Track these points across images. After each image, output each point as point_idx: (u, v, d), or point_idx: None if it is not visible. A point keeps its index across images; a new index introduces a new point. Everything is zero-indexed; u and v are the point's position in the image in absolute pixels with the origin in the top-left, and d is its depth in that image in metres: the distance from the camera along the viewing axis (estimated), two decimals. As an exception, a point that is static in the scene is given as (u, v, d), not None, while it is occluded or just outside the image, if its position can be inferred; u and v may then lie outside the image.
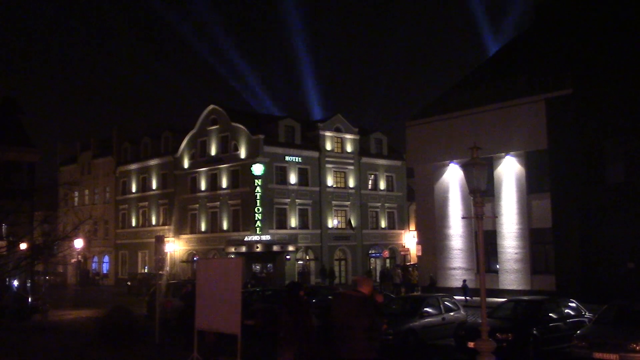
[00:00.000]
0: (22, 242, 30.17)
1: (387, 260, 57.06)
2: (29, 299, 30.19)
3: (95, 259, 67.70)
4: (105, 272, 66.06)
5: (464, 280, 33.62)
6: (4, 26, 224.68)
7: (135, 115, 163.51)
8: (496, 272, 33.11)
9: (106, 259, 66.61)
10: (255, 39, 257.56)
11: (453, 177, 35.59)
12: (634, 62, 29.17)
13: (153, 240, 25.32)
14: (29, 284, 41.87)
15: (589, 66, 30.94)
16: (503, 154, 32.91)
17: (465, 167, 12.30)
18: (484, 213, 12.11)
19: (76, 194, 69.22)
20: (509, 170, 32.93)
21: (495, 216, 32.08)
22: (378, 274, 46.21)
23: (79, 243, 50.80)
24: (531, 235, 32.24)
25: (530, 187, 32.35)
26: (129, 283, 50.26)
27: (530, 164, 32.38)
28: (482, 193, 12.12)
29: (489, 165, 29.41)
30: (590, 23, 33.79)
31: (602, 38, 32.08)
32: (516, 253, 32.56)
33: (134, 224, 62.54)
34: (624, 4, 33.16)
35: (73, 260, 56.43)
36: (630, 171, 28.65)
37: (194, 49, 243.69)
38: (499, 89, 33.79)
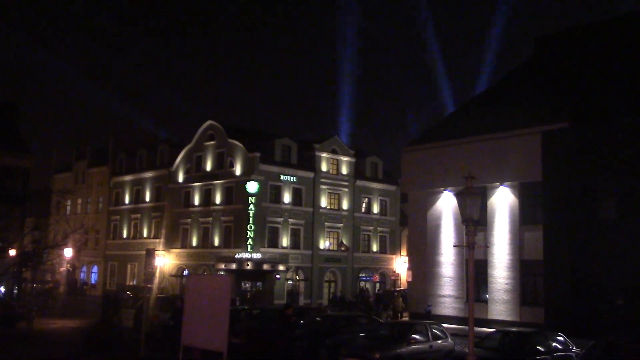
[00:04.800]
0: (12, 248, 30.05)
1: (377, 284, 56.91)
2: (15, 306, 29.99)
3: (84, 268, 67.29)
4: (93, 282, 65.64)
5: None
6: (6, 30, 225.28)
7: (133, 126, 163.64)
8: (485, 301, 33.07)
9: (95, 269, 66.22)
10: (258, 57, 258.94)
11: (446, 204, 35.66)
12: (631, 99, 29.45)
13: (143, 252, 25.24)
14: (15, 291, 41.54)
15: (586, 101, 31.21)
16: (497, 184, 33.02)
17: (459, 195, 12.36)
18: (475, 242, 12.15)
19: (69, 202, 69.01)
20: (503, 201, 33.02)
21: (487, 246, 32.10)
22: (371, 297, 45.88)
23: (68, 252, 50.58)
24: (522, 266, 32.25)
25: (523, 219, 32.41)
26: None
27: (524, 195, 32.48)
28: (475, 222, 12.16)
29: (483, 195, 29.49)
30: (589, 58, 34.14)
31: (601, 73, 32.41)
32: (506, 283, 32.54)
33: (125, 235, 62.29)
34: (624, 41, 33.53)
35: (62, 269, 56.09)
36: (623, 208, 28.74)
37: (196, 63, 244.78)
38: (496, 120, 33.99)
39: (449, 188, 34.94)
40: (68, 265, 59.95)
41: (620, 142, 28.96)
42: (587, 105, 30.91)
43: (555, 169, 30.74)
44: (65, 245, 49.54)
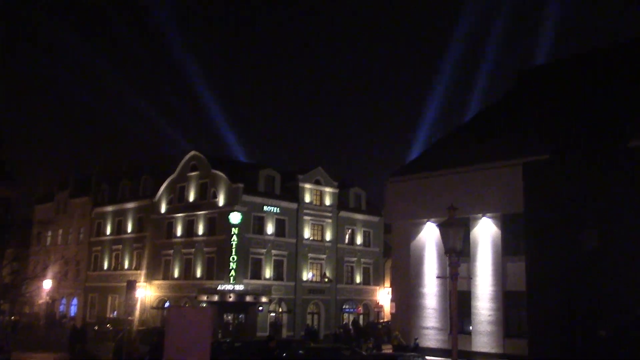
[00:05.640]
0: (-10, 279, 29.59)
1: (361, 316, 56.55)
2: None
3: (64, 300, 66.21)
4: (72, 314, 64.57)
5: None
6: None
7: (116, 156, 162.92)
8: (469, 333, 32.92)
9: (75, 301, 65.18)
10: (243, 86, 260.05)
11: (430, 235, 35.68)
12: (612, 130, 29.84)
13: (124, 284, 24.96)
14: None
15: (567, 132, 31.57)
16: (480, 215, 33.13)
17: (442, 226, 12.39)
18: (458, 273, 12.14)
19: (49, 233, 68.27)
20: (485, 232, 33.10)
21: (470, 277, 32.06)
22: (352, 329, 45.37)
23: (47, 284, 49.84)
24: (505, 297, 32.21)
25: (506, 250, 32.48)
26: (96, 327, 49.16)
27: (506, 226, 32.59)
28: (458, 253, 12.17)
29: (466, 226, 29.55)
30: (570, 90, 34.66)
31: (582, 105, 32.88)
32: (490, 315, 32.45)
33: (105, 266, 61.57)
34: (605, 73, 34.14)
35: (41, 301, 55.23)
36: (605, 239, 28.88)
37: (180, 94, 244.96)
38: (478, 151, 34.26)
39: (432, 219, 34.98)
40: (47, 297, 59.04)
41: (602, 173, 29.25)
42: (568, 137, 31.27)
43: (536, 200, 30.91)
44: (45, 277, 48.88)
